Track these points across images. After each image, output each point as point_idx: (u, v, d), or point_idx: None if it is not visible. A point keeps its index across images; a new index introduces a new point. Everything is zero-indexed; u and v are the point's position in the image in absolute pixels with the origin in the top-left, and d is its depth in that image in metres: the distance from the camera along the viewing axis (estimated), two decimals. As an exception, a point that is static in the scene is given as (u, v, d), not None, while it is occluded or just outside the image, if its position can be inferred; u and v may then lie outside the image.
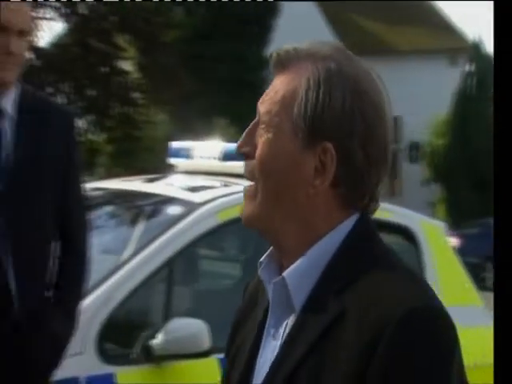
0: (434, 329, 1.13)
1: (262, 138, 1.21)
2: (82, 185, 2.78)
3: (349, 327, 1.14)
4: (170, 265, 3.33)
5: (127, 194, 4.08)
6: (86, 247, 2.71)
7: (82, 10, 9.08)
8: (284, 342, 1.21)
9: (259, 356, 1.26)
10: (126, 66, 9.47)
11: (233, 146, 4.28)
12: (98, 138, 9.34)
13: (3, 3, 2.46)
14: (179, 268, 3.58)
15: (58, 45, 9.15)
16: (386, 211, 3.90)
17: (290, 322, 1.22)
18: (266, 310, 1.27)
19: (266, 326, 1.26)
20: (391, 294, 1.15)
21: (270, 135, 1.20)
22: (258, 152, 1.21)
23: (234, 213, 3.43)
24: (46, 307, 2.60)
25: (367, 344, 1.12)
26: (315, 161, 1.19)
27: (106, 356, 3.03)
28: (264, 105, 1.22)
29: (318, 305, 1.18)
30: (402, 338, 1.11)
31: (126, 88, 9.05)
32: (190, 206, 3.55)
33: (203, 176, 4.12)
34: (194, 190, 3.81)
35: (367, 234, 1.23)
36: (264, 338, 1.26)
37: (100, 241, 3.80)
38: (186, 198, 3.68)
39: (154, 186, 4.14)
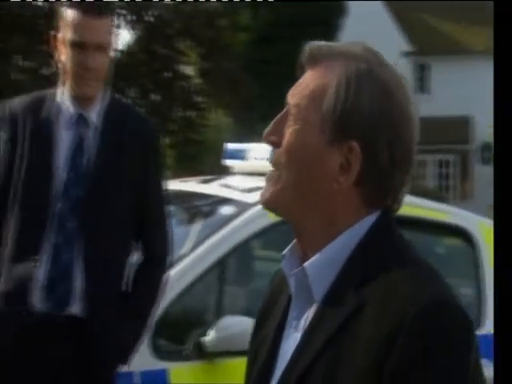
0: (452, 323, 1.15)
1: (290, 129, 1.25)
2: (162, 191, 2.81)
3: (367, 321, 1.17)
4: (223, 263, 3.40)
5: (184, 195, 4.17)
6: (165, 251, 2.75)
7: (148, 17, 9.30)
8: (303, 334, 1.24)
9: (282, 346, 1.30)
10: (189, 70, 9.63)
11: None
12: (162, 142, 9.50)
13: (81, 20, 2.53)
14: (232, 267, 3.65)
15: (125, 52, 9.38)
16: (444, 213, 3.89)
17: (310, 313, 1.25)
18: (289, 302, 1.31)
19: (289, 317, 1.30)
20: (409, 289, 1.17)
21: (297, 127, 1.24)
22: (285, 141, 1.25)
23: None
24: (118, 309, 2.65)
25: (385, 338, 1.14)
26: (340, 158, 1.22)
27: (159, 352, 3.12)
28: (294, 97, 1.26)
29: (337, 298, 1.21)
30: (419, 332, 1.13)
31: (189, 92, 9.18)
32: (243, 206, 3.61)
33: (258, 177, 4.18)
34: (247, 190, 3.87)
35: (388, 231, 1.25)
36: (286, 329, 1.30)
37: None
38: (239, 198, 3.75)
39: (210, 187, 4.22)
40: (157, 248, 2.74)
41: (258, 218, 3.55)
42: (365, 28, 18.69)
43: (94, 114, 2.62)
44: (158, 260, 2.75)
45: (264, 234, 3.67)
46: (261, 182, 4.26)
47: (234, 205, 3.71)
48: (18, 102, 2.69)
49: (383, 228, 1.25)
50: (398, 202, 1.27)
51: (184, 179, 4.71)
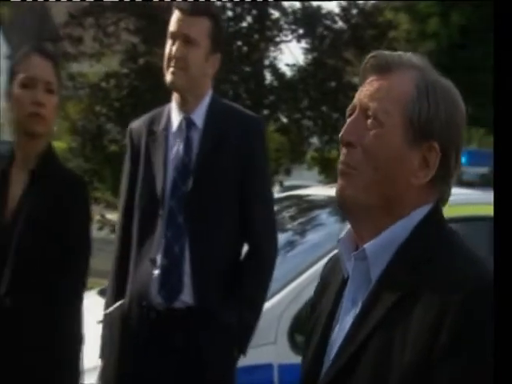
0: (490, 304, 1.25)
1: (373, 131, 1.37)
2: (266, 187, 2.92)
3: (419, 302, 1.29)
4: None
5: (330, 201, 4.26)
6: (270, 241, 2.84)
7: (319, 28, 9.50)
8: (359, 312, 1.36)
9: (339, 322, 1.42)
10: (355, 80, 9.69)
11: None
12: (331, 153, 9.57)
13: (178, 15, 2.78)
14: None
15: (295, 65, 9.67)
16: None
17: (366, 292, 1.37)
18: (343, 282, 1.44)
19: (346, 294, 1.43)
20: (459, 273, 1.29)
21: (381, 129, 1.36)
22: (368, 143, 1.37)
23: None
24: (227, 299, 2.76)
25: (435, 319, 1.25)
26: (419, 156, 1.36)
27: (296, 347, 3.23)
28: (376, 102, 1.38)
29: (392, 279, 1.34)
30: (467, 314, 1.24)
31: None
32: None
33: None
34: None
35: (439, 220, 1.40)
36: (343, 305, 1.42)
37: (301, 242, 4.05)
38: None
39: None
40: (262, 238, 2.83)
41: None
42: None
43: (199, 116, 2.81)
44: (263, 250, 2.82)
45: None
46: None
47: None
48: (137, 121, 2.97)
49: (436, 217, 1.39)
50: (448, 196, 1.43)
51: (332, 185, 4.81)
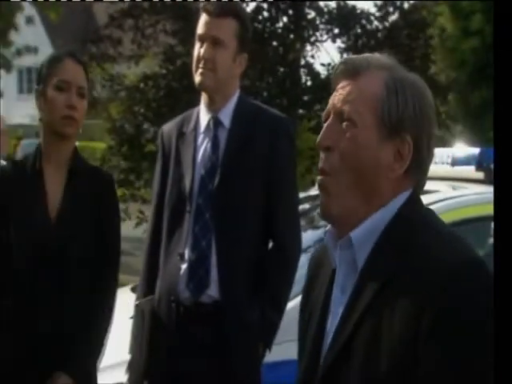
0: (482, 280, 1.33)
1: (348, 133, 1.44)
2: (291, 187, 2.96)
3: (403, 286, 1.35)
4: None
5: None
6: (294, 246, 2.89)
7: (355, 29, 9.50)
8: (348, 300, 1.44)
9: (333, 312, 1.48)
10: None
11: (462, 151, 4.35)
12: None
13: (205, 17, 2.86)
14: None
15: (330, 65, 9.67)
16: None
17: (354, 280, 1.45)
18: (334, 273, 1.51)
19: (335, 284, 1.50)
20: (441, 253, 1.36)
21: (356, 130, 1.44)
22: (344, 145, 1.44)
23: (455, 215, 3.50)
24: (252, 294, 2.83)
25: (422, 299, 1.32)
26: (393, 150, 1.44)
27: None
28: (348, 104, 1.45)
29: (377, 265, 1.42)
30: (453, 290, 1.31)
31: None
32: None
33: (434, 181, 4.22)
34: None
35: (418, 205, 1.47)
36: (334, 294, 1.49)
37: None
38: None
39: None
40: (286, 235, 2.88)
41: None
42: None
43: (226, 116, 2.88)
44: (287, 248, 2.87)
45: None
46: (434, 186, 4.32)
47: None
48: (168, 123, 3.06)
49: (414, 203, 1.47)
50: (424, 182, 1.50)
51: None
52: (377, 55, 1.53)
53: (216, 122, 2.88)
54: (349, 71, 1.47)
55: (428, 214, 1.48)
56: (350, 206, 1.44)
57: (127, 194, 9.64)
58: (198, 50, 2.86)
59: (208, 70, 2.83)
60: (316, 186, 1.53)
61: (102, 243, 2.66)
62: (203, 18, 2.88)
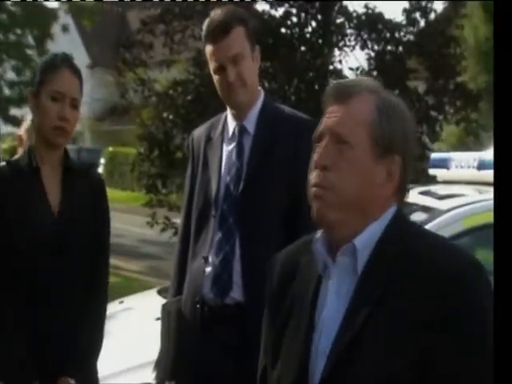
0: (485, 279, 1.41)
1: (346, 154, 1.53)
2: None
3: (404, 291, 1.43)
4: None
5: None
6: None
7: (383, 34, 9.47)
8: (351, 301, 1.50)
9: (322, 312, 1.55)
10: (418, 86, 9.59)
11: (488, 155, 4.33)
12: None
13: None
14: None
15: (358, 69, 9.66)
16: None
17: (352, 283, 1.53)
18: (319, 277, 1.59)
19: (327, 289, 1.57)
20: (442, 254, 1.46)
21: (353, 151, 1.53)
22: (342, 165, 1.53)
23: (480, 219, 3.48)
24: None
25: (428, 297, 1.40)
26: (385, 170, 1.54)
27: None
28: (344, 127, 1.55)
29: (377, 268, 1.50)
30: (455, 293, 1.38)
31: (420, 108, 9.16)
32: (435, 213, 3.67)
33: (460, 185, 4.21)
34: (442, 197, 3.91)
35: (405, 218, 1.61)
36: (326, 298, 1.57)
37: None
38: (433, 205, 3.81)
39: (411, 195, 4.30)
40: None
41: (450, 224, 3.58)
42: None
43: (250, 122, 2.92)
44: None
45: (456, 240, 3.68)
46: (460, 190, 4.29)
47: (427, 211, 3.77)
48: (198, 128, 3.12)
49: (401, 216, 1.59)
50: (407, 197, 1.62)
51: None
52: (365, 79, 1.64)
53: (241, 129, 2.92)
54: (341, 95, 1.56)
55: (415, 225, 1.61)
56: (346, 216, 1.53)
57: (154, 199, 9.72)
58: (222, 78, 2.84)
59: (239, 88, 2.84)
60: None
61: (96, 242, 2.72)
62: (211, 48, 2.85)
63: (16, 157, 3.02)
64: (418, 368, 1.36)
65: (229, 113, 2.97)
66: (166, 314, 2.96)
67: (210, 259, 2.85)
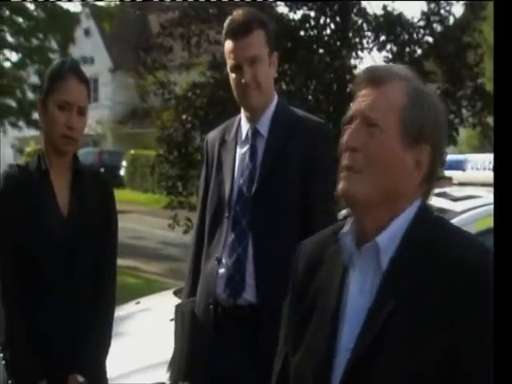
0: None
1: (375, 138, 1.54)
2: (329, 188, 3.00)
3: (430, 287, 1.44)
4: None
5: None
6: None
7: (401, 37, 9.45)
8: (376, 298, 1.51)
9: (346, 307, 1.56)
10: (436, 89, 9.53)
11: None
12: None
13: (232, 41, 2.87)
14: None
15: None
16: None
17: (376, 280, 1.53)
18: (344, 270, 1.59)
19: (351, 284, 1.58)
20: (467, 252, 1.46)
21: (382, 135, 1.53)
22: (371, 148, 1.54)
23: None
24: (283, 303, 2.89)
25: (452, 292, 1.41)
26: (413, 159, 1.53)
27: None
28: (375, 111, 1.55)
29: (402, 266, 1.50)
30: (481, 287, 1.40)
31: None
32: (450, 215, 3.67)
33: (475, 187, 4.20)
34: (457, 199, 3.91)
35: (430, 212, 1.58)
36: (349, 295, 1.57)
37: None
38: (447, 207, 3.81)
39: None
40: None
41: (463, 226, 3.58)
42: None
43: (264, 125, 2.94)
44: None
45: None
46: (476, 192, 4.27)
47: (441, 213, 3.77)
48: (213, 131, 3.15)
49: (427, 209, 1.57)
50: (433, 190, 1.60)
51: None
52: (398, 66, 1.62)
53: (254, 132, 2.95)
54: (373, 79, 1.56)
55: (442, 220, 1.59)
56: (371, 200, 1.52)
57: (175, 201, 9.78)
58: (238, 77, 2.87)
59: (253, 90, 2.87)
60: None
61: (104, 243, 2.76)
62: (230, 45, 2.88)
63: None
64: (442, 366, 1.37)
65: (243, 115, 3.00)
66: (180, 314, 2.99)
67: (224, 260, 2.87)
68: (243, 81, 2.85)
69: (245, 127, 2.98)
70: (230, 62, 2.90)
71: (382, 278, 1.50)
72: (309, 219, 2.91)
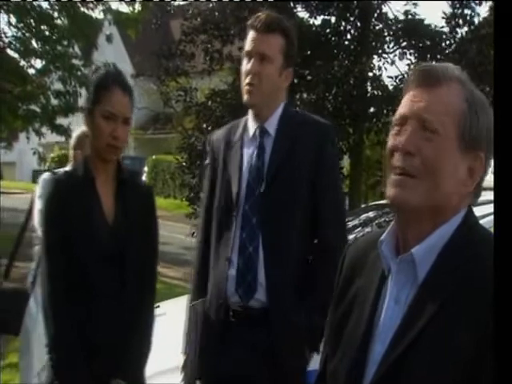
0: None
1: (432, 142, 1.47)
2: (336, 186, 3.04)
3: (465, 303, 1.39)
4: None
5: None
6: (338, 246, 2.85)
7: (423, 41, 9.41)
8: (408, 309, 1.47)
9: (381, 316, 1.53)
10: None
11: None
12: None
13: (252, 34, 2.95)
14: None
15: (398, 77, 9.62)
16: None
17: (412, 291, 1.49)
18: (382, 278, 1.55)
19: (388, 292, 1.54)
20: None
21: (439, 140, 1.47)
22: (427, 153, 1.47)
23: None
24: (298, 297, 2.88)
25: (482, 312, 1.36)
26: (466, 166, 1.48)
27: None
28: (433, 114, 1.47)
29: (438, 279, 1.45)
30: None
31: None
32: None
33: (490, 191, 4.18)
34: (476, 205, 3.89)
35: (474, 222, 1.51)
36: (385, 301, 1.54)
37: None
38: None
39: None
40: (332, 235, 2.91)
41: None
42: None
43: (271, 125, 2.98)
44: (332, 247, 2.87)
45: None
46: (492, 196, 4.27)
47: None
48: (216, 132, 3.19)
49: (472, 220, 1.50)
50: (479, 198, 1.54)
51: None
52: (452, 66, 1.53)
53: (262, 131, 2.98)
54: (428, 80, 1.48)
55: (485, 231, 1.51)
56: (421, 207, 1.46)
57: (198, 211, 9.78)
58: (246, 65, 2.96)
59: (254, 86, 2.92)
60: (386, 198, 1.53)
61: (147, 251, 2.82)
62: (251, 35, 2.97)
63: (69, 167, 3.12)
64: (472, 378, 1.33)
65: (250, 115, 3.03)
66: (194, 314, 3.00)
67: (234, 261, 2.89)
68: (248, 69, 2.93)
69: (252, 126, 3.01)
70: (245, 49, 2.99)
71: (417, 290, 1.46)
72: (317, 219, 2.93)
